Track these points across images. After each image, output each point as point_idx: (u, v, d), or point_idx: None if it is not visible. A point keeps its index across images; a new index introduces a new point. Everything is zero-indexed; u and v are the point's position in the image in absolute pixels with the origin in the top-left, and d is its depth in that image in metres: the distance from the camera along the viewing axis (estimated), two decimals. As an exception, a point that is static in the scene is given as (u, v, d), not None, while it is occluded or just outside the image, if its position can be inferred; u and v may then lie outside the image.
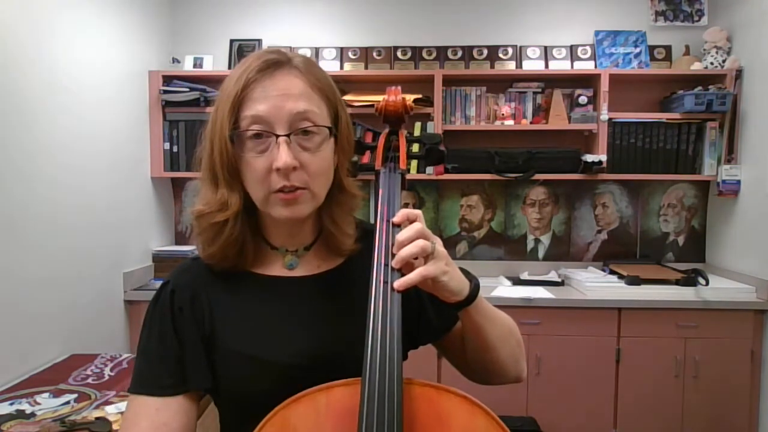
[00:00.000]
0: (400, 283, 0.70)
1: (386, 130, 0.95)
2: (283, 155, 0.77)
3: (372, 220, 0.87)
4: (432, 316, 0.91)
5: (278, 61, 0.81)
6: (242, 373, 0.83)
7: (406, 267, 0.72)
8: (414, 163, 0.95)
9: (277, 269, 0.89)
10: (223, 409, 0.90)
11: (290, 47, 3.19)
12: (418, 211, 0.76)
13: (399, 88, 0.94)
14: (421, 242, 0.71)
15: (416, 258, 0.72)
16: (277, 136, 0.78)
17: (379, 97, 0.97)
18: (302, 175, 0.79)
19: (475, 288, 0.79)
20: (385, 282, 0.72)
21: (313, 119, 0.80)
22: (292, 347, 0.83)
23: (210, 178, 0.84)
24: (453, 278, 0.75)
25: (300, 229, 0.90)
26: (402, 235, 0.72)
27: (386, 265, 0.73)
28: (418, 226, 0.73)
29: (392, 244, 0.73)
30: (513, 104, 3.06)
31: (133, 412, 0.82)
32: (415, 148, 0.94)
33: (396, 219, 0.76)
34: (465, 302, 0.78)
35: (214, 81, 3.00)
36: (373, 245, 0.76)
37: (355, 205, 0.91)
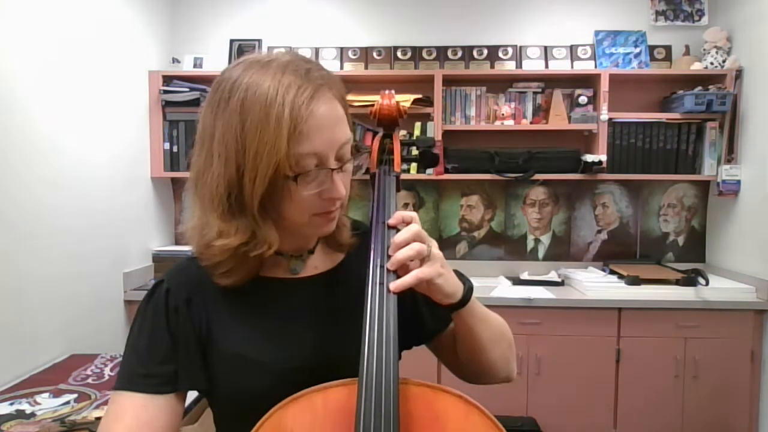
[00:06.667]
0: (396, 285, 0.71)
1: (380, 133, 0.95)
2: (340, 188, 0.77)
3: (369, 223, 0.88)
4: (426, 318, 0.91)
5: (312, 78, 0.74)
6: (241, 375, 0.82)
7: (402, 269, 0.72)
8: (414, 164, 0.95)
9: (278, 272, 0.89)
10: (219, 410, 0.89)
11: (290, 47, 3.19)
12: (414, 214, 0.77)
13: (393, 91, 0.94)
14: (417, 245, 0.72)
15: (412, 260, 0.72)
16: (332, 170, 0.75)
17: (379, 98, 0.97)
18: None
19: (468, 291, 0.80)
20: (381, 283, 0.72)
21: (350, 141, 0.78)
22: (290, 349, 0.83)
23: (223, 205, 0.75)
24: (447, 281, 0.76)
25: (312, 238, 0.89)
26: (399, 237, 0.72)
27: (382, 266, 0.73)
28: (414, 228, 0.73)
29: (388, 246, 0.74)
30: (513, 104, 3.07)
31: (117, 406, 0.78)
32: (409, 151, 0.94)
33: (391, 221, 0.77)
34: (458, 305, 0.78)
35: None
36: (369, 247, 0.76)
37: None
